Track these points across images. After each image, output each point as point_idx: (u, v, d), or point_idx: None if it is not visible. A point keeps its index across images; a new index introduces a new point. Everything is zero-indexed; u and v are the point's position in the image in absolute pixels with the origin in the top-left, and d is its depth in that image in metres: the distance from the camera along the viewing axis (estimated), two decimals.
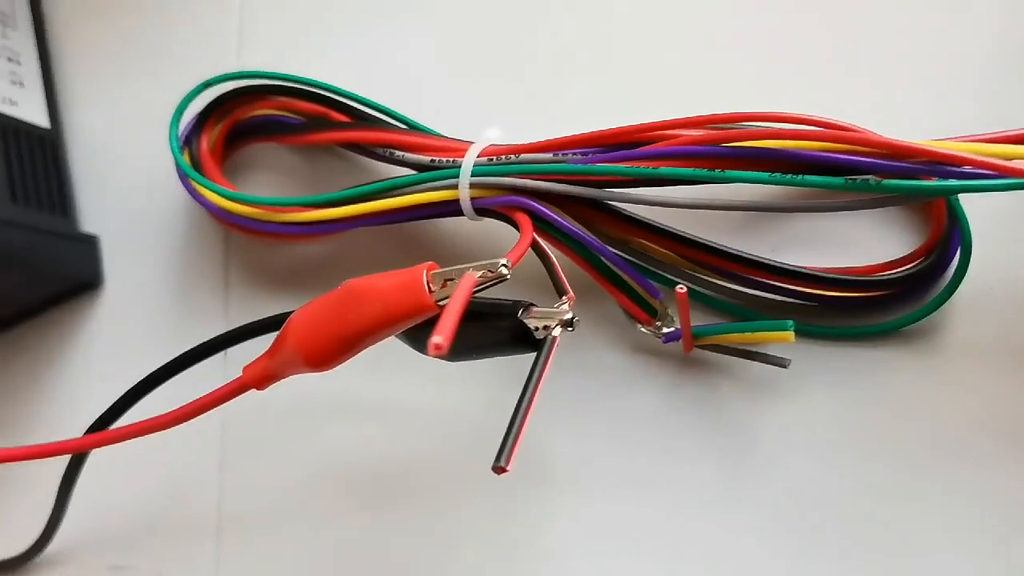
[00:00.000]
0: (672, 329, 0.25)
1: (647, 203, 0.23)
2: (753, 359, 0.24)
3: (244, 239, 0.29)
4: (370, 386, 0.27)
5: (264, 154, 0.30)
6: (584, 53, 0.28)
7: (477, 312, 0.21)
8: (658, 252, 0.25)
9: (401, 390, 0.27)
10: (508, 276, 0.20)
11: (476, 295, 0.20)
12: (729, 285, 0.25)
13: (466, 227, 0.27)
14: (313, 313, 0.21)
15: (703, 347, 0.24)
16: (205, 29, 0.31)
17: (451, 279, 0.20)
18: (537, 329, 0.20)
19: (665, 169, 0.22)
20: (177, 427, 0.22)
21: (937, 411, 0.23)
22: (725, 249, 0.24)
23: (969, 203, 0.22)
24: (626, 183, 0.23)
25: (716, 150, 0.22)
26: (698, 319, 0.24)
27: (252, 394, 0.22)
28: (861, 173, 0.21)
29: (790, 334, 0.22)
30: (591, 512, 0.25)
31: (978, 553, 0.22)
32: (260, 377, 0.22)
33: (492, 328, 0.21)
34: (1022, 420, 0.23)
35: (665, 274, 0.25)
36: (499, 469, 0.17)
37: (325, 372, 0.22)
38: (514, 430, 0.18)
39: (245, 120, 0.29)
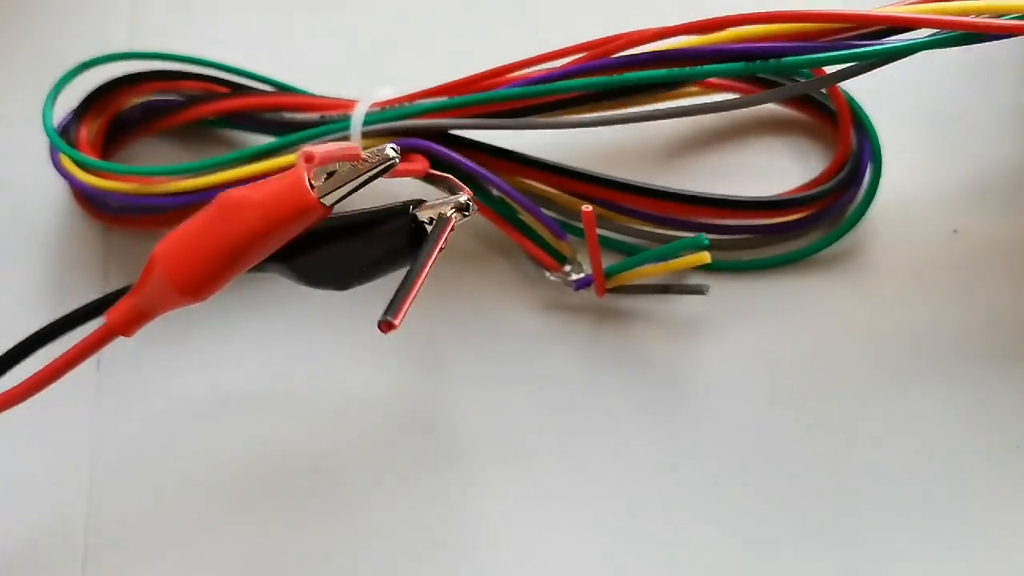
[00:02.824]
0: (583, 275, 0.23)
1: (562, 126, 0.22)
2: (670, 292, 0.23)
3: (125, 237, 0.27)
4: (254, 377, 0.25)
5: (148, 151, 0.28)
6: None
7: (365, 221, 0.19)
8: (561, 198, 0.24)
9: (290, 379, 0.25)
10: (396, 159, 0.18)
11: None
12: (638, 226, 0.24)
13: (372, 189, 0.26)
14: (181, 235, 0.19)
15: (617, 290, 0.23)
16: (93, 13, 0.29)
17: (333, 171, 0.18)
18: (433, 220, 0.18)
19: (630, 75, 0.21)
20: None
21: (867, 333, 0.22)
22: (631, 183, 0.23)
23: (877, 114, 0.22)
24: (542, 104, 0.22)
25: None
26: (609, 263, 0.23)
27: (122, 400, 0.20)
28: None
29: (705, 254, 0.21)
30: (517, 489, 0.23)
31: (930, 474, 0.21)
32: (126, 319, 0.20)
33: (385, 235, 0.19)
34: (950, 332, 0.22)
35: (571, 221, 0.24)
36: (386, 324, 0.15)
37: (201, 301, 0.20)
38: (405, 288, 0.16)
39: (126, 110, 0.27)
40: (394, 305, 0.16)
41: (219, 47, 0.27)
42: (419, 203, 0.19)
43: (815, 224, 0.23)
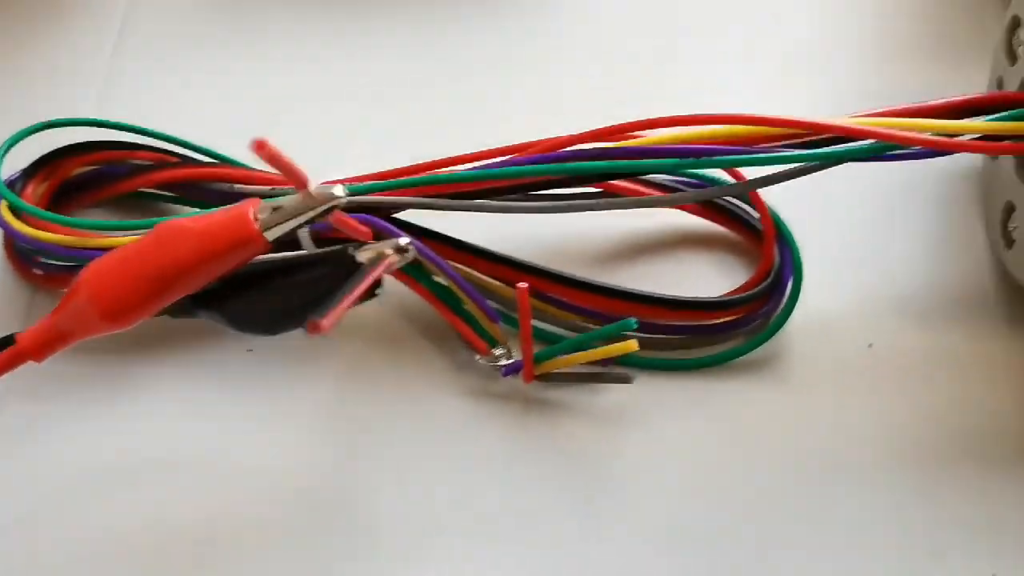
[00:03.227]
0: (511, 361, 0.23)
1: (499, 210, 0.23)
2: (596, 380, 0.23)
3: (50, 299, 0.26)
4: (159, 443, 0.24)
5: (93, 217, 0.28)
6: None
7: (303, 262, 0.20)
8: (495, 285, 0.24)
9: (199, 446, 0.24)
10: (343, 199, 0.18)
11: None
12: (571, 319, 0.24)
13: None
14: (112, 258, 0.19)
15: (544, 377, 0.23)
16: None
17: (278, 207, 0.19)
18: (372, 260, 0.19)
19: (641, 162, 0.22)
20: None
21: (784, 437, 0.22)
22: (568, 275, 0.24)
23: (799, 227, 0.23)
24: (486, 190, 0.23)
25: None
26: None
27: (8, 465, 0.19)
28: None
29: (633, 342, 0.22)
30: (425, 572, 0.22)
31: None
32: (41, 341, 0.19)
33: (322, 277, 0.19)
34: (865, 441, 0.22)
35: (503, 309, 0.24)
36: (313, 325, 0.15)
37: (122, 328, 0.19)
38: (339, 298, 0.16)
39: (75, 176, 0.27)
40: (326, 310, 0.16)
41: (184, 123, 0.28)
42: (358, 245, 0.19)
43: (739, 329, 0.24)
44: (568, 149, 0.23)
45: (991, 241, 0.24)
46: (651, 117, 0.21)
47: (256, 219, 0.18)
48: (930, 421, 0.22)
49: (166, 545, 0.22)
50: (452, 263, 0.24)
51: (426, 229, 0.24)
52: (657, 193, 0.24)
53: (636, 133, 0.22)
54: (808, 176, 0.25)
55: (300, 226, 0.18)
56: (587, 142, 0.22)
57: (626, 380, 0.22)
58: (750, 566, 0.21)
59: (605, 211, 0.24)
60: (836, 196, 0.25)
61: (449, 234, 0.24)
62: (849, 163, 0.21)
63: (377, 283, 0.19)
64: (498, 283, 0.24)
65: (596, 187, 0.24)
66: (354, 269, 0.19)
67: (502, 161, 0.23)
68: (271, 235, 0.19)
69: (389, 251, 0.18)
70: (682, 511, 0.22)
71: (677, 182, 0.24)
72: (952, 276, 0.24)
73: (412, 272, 0.24)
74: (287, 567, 0.22)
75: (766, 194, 0.23)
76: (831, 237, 0.25)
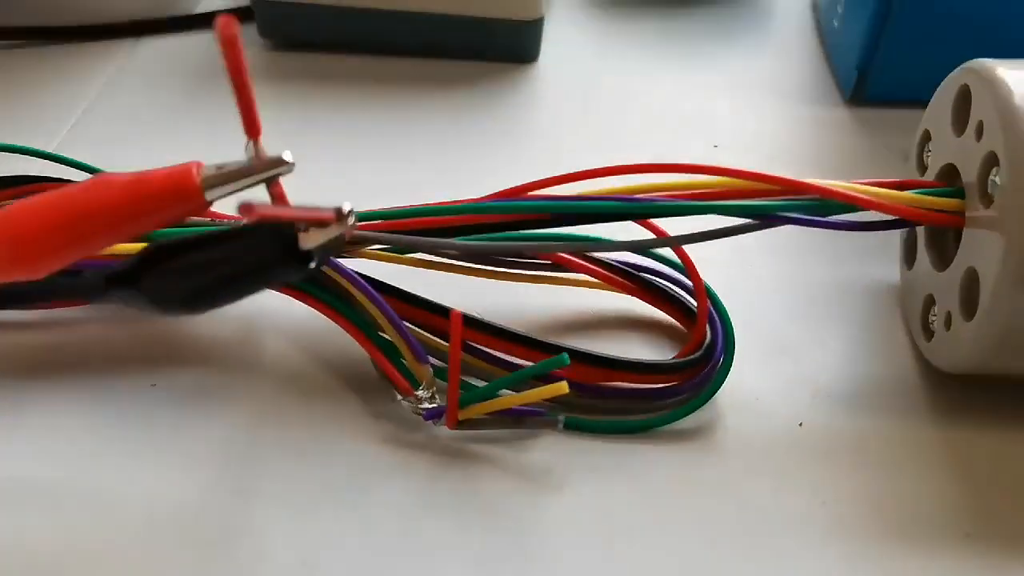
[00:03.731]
0: (435, 405, 0.22)
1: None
2: (524, 425, 0.22)
3: None
4: (27, 464, 0.22)
5: None
6: None
7: (235, 230, 0.19)
8: (421, 335, 0.23)
9: (73, 470, 0.21)
10: (292, 165, 0.18)
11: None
12: (502, 375, 0.23)
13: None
14: (36, 199, 0.18)
15: (468, 424, 0.22)
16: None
17: (223, 167, 0.18)
18: (308, 227, 0.18)
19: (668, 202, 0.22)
20: None
21: (709, 506, 0.21)
22: (500, 326, 0.23)
23: (734, 302, 0.24)
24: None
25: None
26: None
27: None
28: None
29: (564, 384, 0.21)
30: None
31: None
32: None
33: (255, 245, 0.18)
34: (790, 513, 0.21)
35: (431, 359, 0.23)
36: (247, 208, 0.14)
37: (30, 276, 0.18)
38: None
39: None
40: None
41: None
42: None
43: (669, 399, 0.23)
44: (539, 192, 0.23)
45: (913, 335, 0.24)
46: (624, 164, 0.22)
47: (198, 176, 0.18)
48: (858, 499, 0.21)
49: (22, 570, 0.19)
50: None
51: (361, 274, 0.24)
52: (568, 256, 0.24)
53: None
54: (738, 266, 0.27)
55: (243, 188, 0.18)
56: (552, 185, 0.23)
57: (554, 425, 0.21)
58: None
59: (550, 285, 0.25)
60: (764, 290, 0.26)
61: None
62: (788, 225, 0.21)
63: (314, 255, 0.18)
64: (426, 334, 0.24)
65: (544, 259, 0.25)
66: (287, 246, 0.18)
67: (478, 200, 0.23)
68: (211, 195, 0.18)
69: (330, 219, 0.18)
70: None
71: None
72: (878, 368, 0.24)
73: (336, 304, 0.23)
74: None
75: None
76: (759, 325, 0.25)
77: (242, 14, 0.37)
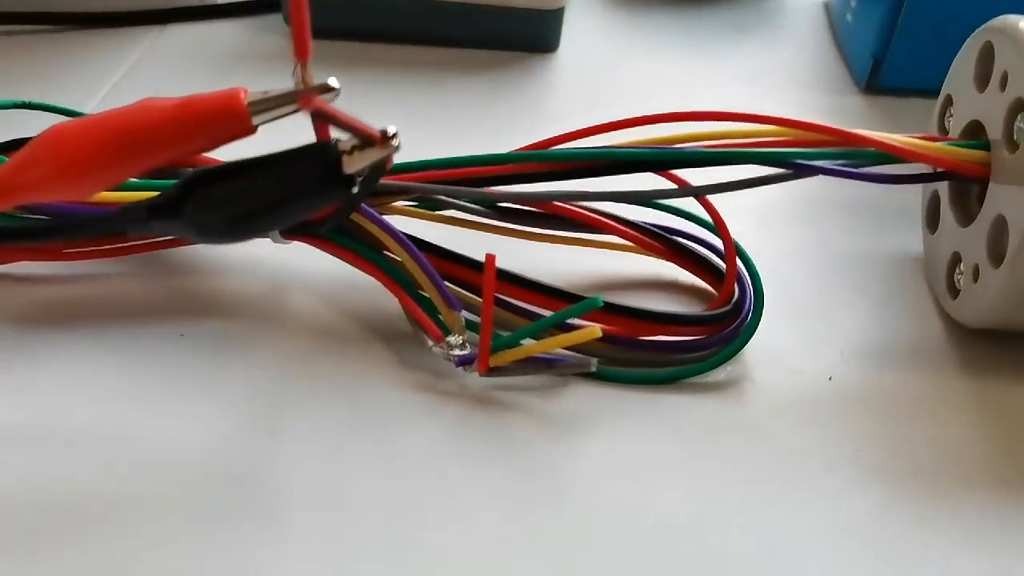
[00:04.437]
0: (467, 351, 0.22)
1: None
2: (555, 370, 0.22)
3: None
4: (52, 410, 0.21)
5: None
6: None
7: (280, 155, 0.19)
8: (450, 288, 0.23)
9: (100, 415, 0.21)
10: (339, 89, 0.18)
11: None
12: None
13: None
14: (84, 119, 0.18)
15: (499, 370, 0.22)
16: None
17: (268, 93, 0.18)
18: (355, 149, 0.18)
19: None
20: None
21: (737, 455, 0.21)
22: (533, 279, 0.23)
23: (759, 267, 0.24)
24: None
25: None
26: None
27: None
28: None
29: (597, 328, 0.21)
30: (335, 558, 0.19)
31: None
32: None
33: (299, 169, 0.18)
34: (819, 459, 0.21)
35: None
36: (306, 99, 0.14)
37: (75, 195, 0.18)
38: None
39: None
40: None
41: None
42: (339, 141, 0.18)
43: (697, 352, 0.23)
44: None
45: (938, 298, 0.25)
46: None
47: (245, 99, 0.18)
48: (892, 447, 0.21)
49: (49, 514, 0.19)
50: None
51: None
52: (598, 217, 0.24)
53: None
54: (762, 234, 0.27)
55: (288, 114, 0.18)
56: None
57: (588, 367, 0.21)
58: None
59: (578, 247, 0.25)
60: (788, 257, 0.27)
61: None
62: (821, 176, 0.22)
63: (356, 180, 0.18)
64: (456, 288, 0.24)
65: (542, 208, 0.25)
66: (332, 167, 0.18)
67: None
68: (257, 120, 0.18)
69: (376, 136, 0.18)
70: (629, 523, 0.20)
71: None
72: (905, 329, 0.24)
73: (367, 254, 0.23)
74: (181, 540, 0.19)
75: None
76: (785, 287, 0.25)
77: (268, 2, 0.38)
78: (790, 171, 0.22)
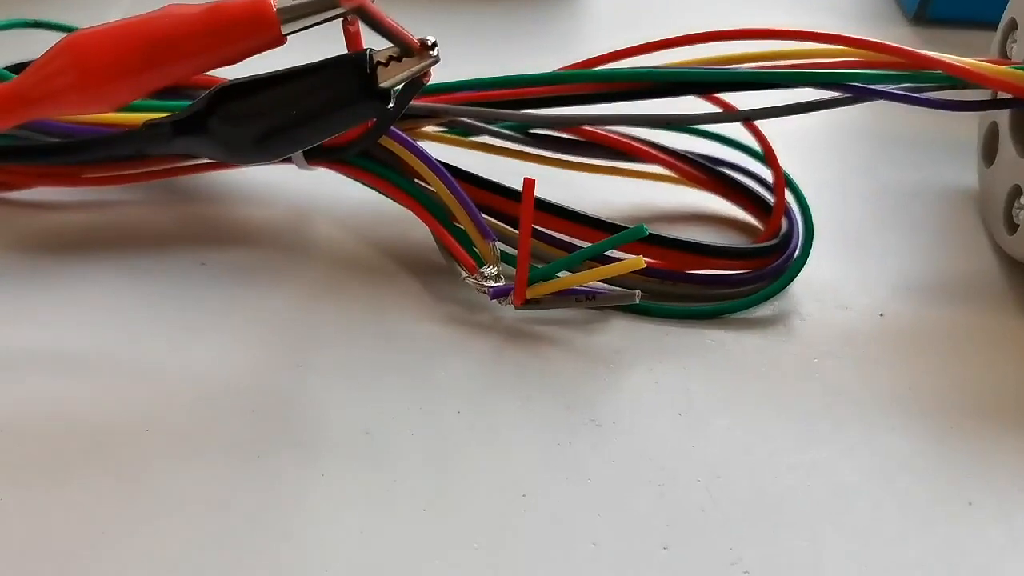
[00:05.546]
0: (502, 283, 0.21)
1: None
2: (596, 303, 0.21)
3: None
4: (73, 337, 0.21)
5: None
6: None
7: (310, 66, 0.18)
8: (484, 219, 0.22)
9: (122, 343, 0.21)
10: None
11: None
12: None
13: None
14: (107, 26, 0.17)
15: (536, 303, 0.21)
16: None
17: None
18: (391, 60, 0.17)
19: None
20: None
21: (786, 388, 0.20)
22: (575, 210, 0.22)
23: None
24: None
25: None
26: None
27: None
28: None
29: (640, 259, 0.20)
30: (367, 491, 0.18)
31: (849, 523, 0.18)
32: None
33: (332, 78, 0.17)
34: (870, 394, 0.20)
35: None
36: None
37: (98, 106, 0.17)
38: None
39: None
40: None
41: None
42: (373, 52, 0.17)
43: (745, 287, 0.22)
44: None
45: (994, 234, 0.24)
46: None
47: (275, 5, 0.17)
48: (946, 383, 0.20)
49: (74, 441, 0.19)
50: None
51: None
52: (640, 146, 0.23)
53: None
54: (808, 168, 0.26)
55: (318, 23, 0.17)
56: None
57: (631, 299, 0.20)
58: (747, 512, 0.18)
59: (614, 175, 0.24)
60: (836, 193, 0.25)
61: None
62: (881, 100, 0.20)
63: (391, 93, 0.17)
64: (491, 219, 0.23)
65: (581, 136, 0.24)
66: (367, 78, 0.17)
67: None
68: (287, 29, 0.17)
69: (415, 44, 0.17)
70: (673, 460, 0.19)
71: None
72: (959, 265, 0.23)
73: (399, 182, 0.22)
74: (210, 470, 0.18)
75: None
76: (835, 223, 0.24)
77: None
78: (848, 95, 0.20)
